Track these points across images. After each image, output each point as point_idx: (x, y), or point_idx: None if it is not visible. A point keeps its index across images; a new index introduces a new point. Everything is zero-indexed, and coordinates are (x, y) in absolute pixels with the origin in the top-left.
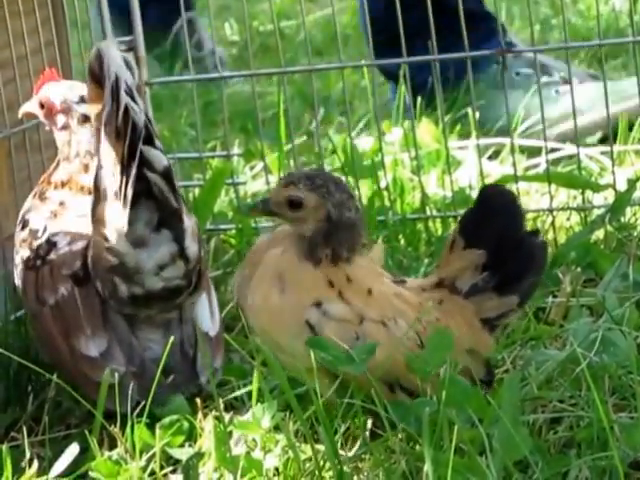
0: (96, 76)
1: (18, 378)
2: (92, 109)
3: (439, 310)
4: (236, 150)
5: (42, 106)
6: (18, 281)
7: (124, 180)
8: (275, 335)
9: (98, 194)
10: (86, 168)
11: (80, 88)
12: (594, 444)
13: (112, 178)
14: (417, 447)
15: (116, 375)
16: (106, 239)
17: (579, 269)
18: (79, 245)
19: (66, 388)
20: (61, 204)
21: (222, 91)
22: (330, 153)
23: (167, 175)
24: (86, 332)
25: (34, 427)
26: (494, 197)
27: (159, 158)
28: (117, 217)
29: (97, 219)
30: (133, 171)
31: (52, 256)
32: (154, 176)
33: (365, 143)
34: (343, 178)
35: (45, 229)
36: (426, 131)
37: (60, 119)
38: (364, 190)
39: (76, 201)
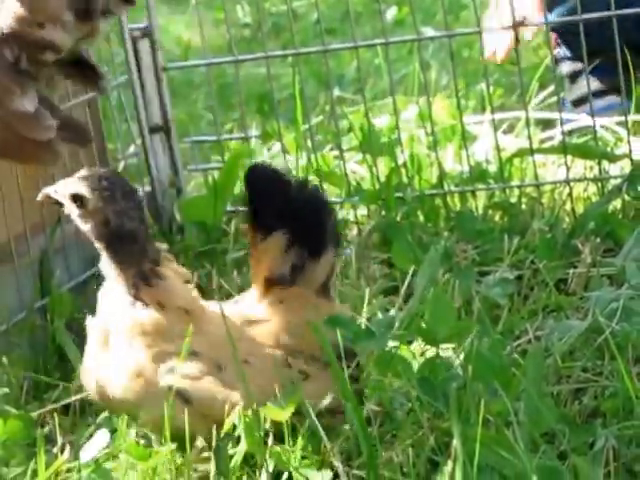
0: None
1: (45, 367)
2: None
3: (284, 310)
4: (253, 132)
5: None
6: None
7: None
8: None
9: None
10: None
11: None
12: (619, 413)
13: None
14: (445, 423)
15: (52, 130)
16: None
17: (598, 239)
18: None
19: None
20: None
21: (237, 74)
22: (347, 132)
23: None
24: (16, 92)
25: (63, 414)
26: (256, 178)
27: None
28: None
29: None
30: None
31: None
32: None
33: (381, 121)
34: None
35: None
36: (441, 107)
37: None
38: (382, 168)
39: None
